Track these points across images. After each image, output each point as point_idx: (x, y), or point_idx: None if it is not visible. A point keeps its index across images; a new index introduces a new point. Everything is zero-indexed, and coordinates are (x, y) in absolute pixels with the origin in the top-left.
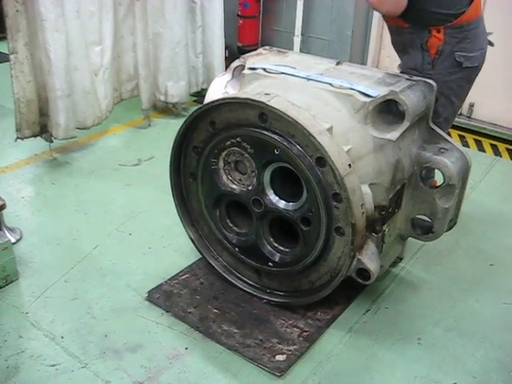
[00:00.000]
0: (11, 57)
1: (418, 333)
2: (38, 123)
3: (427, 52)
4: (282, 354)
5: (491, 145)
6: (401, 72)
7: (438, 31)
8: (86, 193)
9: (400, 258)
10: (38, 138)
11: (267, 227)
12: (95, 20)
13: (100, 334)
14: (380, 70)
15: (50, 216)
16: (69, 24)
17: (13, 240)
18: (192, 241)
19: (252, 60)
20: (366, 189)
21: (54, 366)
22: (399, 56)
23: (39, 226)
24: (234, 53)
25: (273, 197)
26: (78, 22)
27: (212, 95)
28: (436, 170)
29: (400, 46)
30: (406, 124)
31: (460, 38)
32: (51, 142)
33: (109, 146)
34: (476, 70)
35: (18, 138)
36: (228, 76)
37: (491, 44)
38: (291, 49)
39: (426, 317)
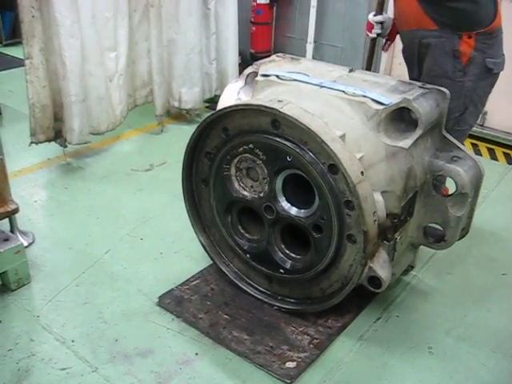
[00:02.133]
0: (26, 62)
1: (429, 342)
2: (53, 128)
3: (458, 59)
4: (293, 361)
5: (504, 153)
6: (424, 81)
7: (469, 37)
8: (99, 197)
9: (411, 267)
10: (52, 142)
11: (279, 234)
12: (110, 26)
13: (111, 339)
14: (393, 77)
15: (63, 220)
16: (84, 30)
17: (25, 244)
18: (203, 247)
19: (265, 67)
20: (378, 196)
21: (64, 369)
22: (410, 64)
23: (51, 230)
24: (246, 59)
25: (285, 204)
26: (93, 28)
27: (225, 102)
28: (448, 178)
29: (421, 51)
30: (418, 132)
31: (489, 44)
32: (65, 146)
33: (122, 151)
34: (499, 75)
35: (32, 142)
36: (241, 83)
37: None
38: (304, 56)
39: (438, 326)
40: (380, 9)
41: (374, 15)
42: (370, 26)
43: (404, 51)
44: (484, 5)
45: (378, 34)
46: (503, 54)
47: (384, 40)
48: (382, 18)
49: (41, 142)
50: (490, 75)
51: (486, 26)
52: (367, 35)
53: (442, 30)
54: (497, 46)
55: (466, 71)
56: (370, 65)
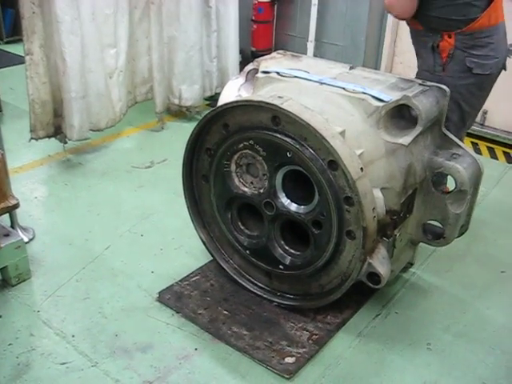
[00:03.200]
0: (26, 58)
1: (427, 338)
2: (53, 124)
3: (439, 54)
4: (292, 356)
5: (504, 152)
6: (416, 73)
7: (449, 36)
8: (99, 194)
9: (411, 264)
10: (52, 139)
11: (278, 230)
12: (110, 23)
13: (110, 334)
14: (393, 74)
15: (63, 216)
16: (84, 26)
17: (26, 239)
18: (203, 243)
19: (265, 64)
20: (377, 193)
21: (64, 364)
22: (417, 58)
23: (52, 225)
24: (247, 57)
25: (284, 200)
26: (94, 25)
27: (225, 98)
28: (448, 176)
29: (416, 47)
30: (418, 129)
31: (470, 44)
32: (65, 143)
33: (122, 148)
34: (489, 78)
35: (32, 138)
36: (241, 79)
37: (504, 68)
38: (305, 54)
39: (436, 322)
40: None
41: None
42: None
43: (413, 44)
44: (460, 8)
45: None
46: (497, 58)
47: None
48: None
49: (41, 138)
50: (471, 74)
51: (463, 27)
52: None
53: (427, 30)
54: (485, 48)
55: (446, 67)
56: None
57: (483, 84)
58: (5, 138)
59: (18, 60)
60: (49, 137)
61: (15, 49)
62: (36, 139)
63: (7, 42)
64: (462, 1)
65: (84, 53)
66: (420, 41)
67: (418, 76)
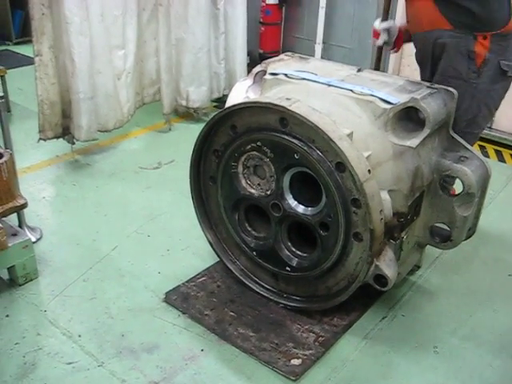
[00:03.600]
0: (36, 59)
1: (434, 341)
2: (61, 125)
3: (473, 60)
4: (298, 358)
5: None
6: (436, 81)
7: (485, 38)
8: (107, 194)
9: (418, 266)
10: (60, 139)
11: (285, 232)
12: (119, 24)
13: (117, 334)
14: (401, 77)
15: (71, 216)
16: (93, 28)
17: (33, 239)
18: (210, 244)
19: (273, 65)
20: (384, 195)
21: (70, 363)
22: (423, 65)
23: (59, 225)
24: (255, 59)
25: (291, 201)
26: (102, 26)
27: (233, 100)
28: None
29: (436, 52)
30: (426, 131)
31: (504, 46)
32: (73, 143)
33: (130, 149)
34: None
35: (40, 139)
36: (249, 81)
37: None
38: (312, 56)
39: (443, 325)
40: (385, 15)
41: (381, 22)
42: (377, 34)
43: (417, 55)
44: (499, 6)
45: (385, 42)
46: None
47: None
48: (387, 25)
49: (49, 139)
50: (504, 78)
51: (500, 27)
52: (374, 43)
53: (458, 31)
54: None
55: (480, 73)
56: (377, 66)
57: (509, 85)
58: (13, 138)
59: (27, 61)
60: (57, 137)
61: (24, 50)
62: (44, 140)
63: (16, 43)
64: None
65: (93, 54)
66: (446, 43)
67: (442, 82)
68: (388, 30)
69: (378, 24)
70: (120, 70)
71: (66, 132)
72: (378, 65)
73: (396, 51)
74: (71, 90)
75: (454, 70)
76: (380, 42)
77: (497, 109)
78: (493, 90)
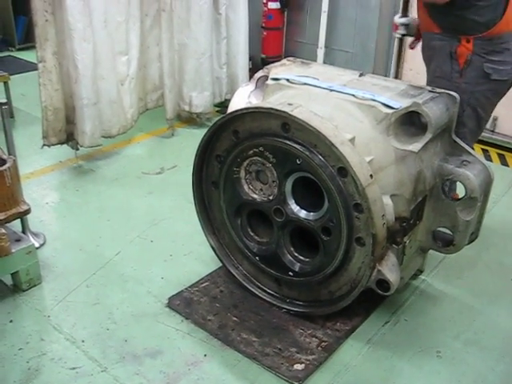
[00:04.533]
0: (39, 65)
1: (437, 346)
2: (65, 131)
3: (456, 61)
4: (301, 363)
5: None
6: (428, 80)
7: (468, 41)
8: (109, 200)
9: (420, 271)
10: (64, 145)
11: (288, 237)
12: (122, 30)
13: (120, 339)
14: (403, 81)
15: (74, 222)
16: (96, 34)
17: (36, 244)
18: (213, 249)
19: (275, 70)
20: (387, 200)
21: (74, 369)
22: (426, 65)
23: (63, 231)
24: (257, 64)
25: (294, 206)
26: (106, 32)
27: (235, 105)
28: (458, 183)
29: (429, 53)
30: (428, 136)
31: (489, 50)
32: (77, 149)
33: (133, 154)
34: (506, 83)
35: (44, 145)
36: (251, 86)
37: None
38: (314, 61)
39: (446, 330)
40: (404, 11)
41: (400, 17)
42: (396, 27)
43: (422, 51)
44: (482, 11)
45: (404, 35)
46: None
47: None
48: (406, 21)
49: (53, 145)
50: (488, 80)
51: (483, 31)
52: (394, 35)
53: (444, 34)
54: (502, 54)
55: (463, 73)
56: (398, 62)
57: (499, 89)
58: (16, 144)
59: (30, 67)
60: (61, 143)
61: (27, 56)
62: (48, 146)
63: (19, 49)
64: (485, 3)
65: (96, 60)
66: (435, 46)
67: (429, 83)
68: (407, 25)
69: (397, 18)
70: (123, 75)
71: (69, 138)
72: (399, 56)
73: (417, 41)
74: (75, 96)
75: (440, 70)
76: (397, 35)
77: (487, 111)
78: (477, 91)
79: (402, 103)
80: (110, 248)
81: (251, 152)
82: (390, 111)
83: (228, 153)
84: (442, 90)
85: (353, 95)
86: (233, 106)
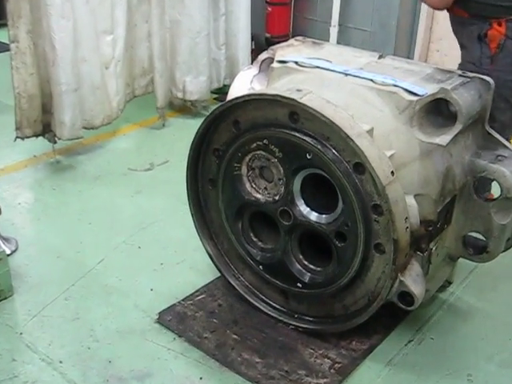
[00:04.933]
0: (12, 46)
1: (468, 368)
2: (41, 121)
3: (486, 45)
4: None
5: None
6: (459, 66)
7: (499, 24)
8: (91, 200)
9: (449, 282)
10: (40, 137)
11: (296, 242)
12: (107, 6)
13: (103, 360)
14: (429, 64)
15: (50, 225)
16: (77, 10)
17: (7, 251)
18: (210, 257)
19: (282, 52)
20: (410, 200)
21: None
22: (460, 48)
23: (37, 236)
24: (261, 45)
25: (303, 208)
26: (88, 8)
27: (236, 91)
28: (493, 182)
29: (459, 37)
30: (458, 127)
31: None
32: (54, 142)
33: (118, 148)
34: None
35: (17, 137)
36: (254, 70)
37: None
38: (327, 41)
39: (478, 350)
40: None
41: None
42: None
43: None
44: None
45: None
46: None
47: None
48: None
49: (27, 137)
50: None
51: None
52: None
53: (473, 18)
54: None
55: (494, 59)
56: (424, 42)
57: None
58: None
59: (1, 47)
60: (36, 135)
61: None
62: (22, 138)
63: None
64: None
65: (76, 39)
66: (464, 30)
67: (460, 69)
68: None
69: None
70: (108, 57)
71: (46, 129)
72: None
73: None
74: (52, 81)
75: (467, 54)
76: None
77: None
78: (510, 80)
79: (428, 89)
80: (91, 255)
81: (254, 145)
82: (414, 98)
83: (227, 146)
84: (474, 75)
85: (371, 80)
86: (233, 93)
